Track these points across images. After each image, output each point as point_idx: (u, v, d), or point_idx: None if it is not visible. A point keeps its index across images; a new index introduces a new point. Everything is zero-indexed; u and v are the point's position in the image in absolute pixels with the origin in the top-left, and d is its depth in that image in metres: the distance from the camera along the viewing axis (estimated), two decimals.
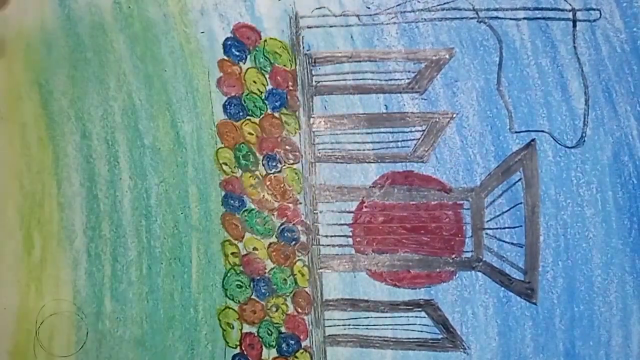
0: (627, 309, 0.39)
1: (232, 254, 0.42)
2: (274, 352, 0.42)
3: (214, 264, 0.42)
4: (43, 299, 0.42)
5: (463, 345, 0.41)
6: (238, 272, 0.42)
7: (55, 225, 0.42)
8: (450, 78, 0.39)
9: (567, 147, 0.39)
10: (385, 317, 0.41)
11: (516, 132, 0.39)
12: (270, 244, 0.42)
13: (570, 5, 0.38)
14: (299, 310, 0.41)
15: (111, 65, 0.41)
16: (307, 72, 0.40)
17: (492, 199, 0.40)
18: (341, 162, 0.41)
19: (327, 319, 0.41)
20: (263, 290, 0.42)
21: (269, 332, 0.42)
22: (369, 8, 0.39)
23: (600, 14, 0.38)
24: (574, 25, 0.38)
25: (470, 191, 0.40)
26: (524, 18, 0.38)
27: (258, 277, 0.42)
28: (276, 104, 0.41)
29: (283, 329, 0.41)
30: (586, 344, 0.40)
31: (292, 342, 0.41)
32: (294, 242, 0.41)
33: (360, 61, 0.40)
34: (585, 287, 0.39)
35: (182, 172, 0.42)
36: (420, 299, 0.41)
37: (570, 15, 0.38)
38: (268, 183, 0.41)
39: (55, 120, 0.42)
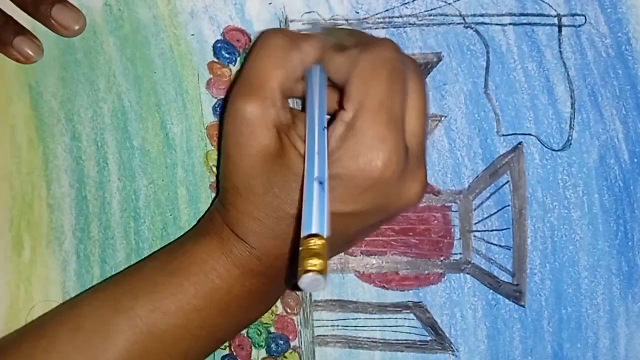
0: (614, 310, 0.42)
1: None
2: (263, 353, 0.45)
3: None
4: (32, 300, 0.45)
5: (452, 347, 0.44)
6: None
7: (44, 227, 0.45)
8: (438, 81, 0.42)
9: (554, 150, 0.42)
10: (374, 319, 0.44)
11: (503, 135, 0.42)
12: None
13: (555, 10, 0.41)
14: (288, 310, 0.44)
15: (101, 67, 0.44)
16: None
17: (480, 201, 0.43)
18: None
19: (316, 320, 0.44)
20: None
21: (259, 332, 0.45)
22: (357, 13, 0.42)
23: (585, 20, 0.41)
24: (560, 31, 0.41)
25: (459, 193, 0.43)
26: (510, 23, 0.41)
27: None
28: None
29: (272, 329, 0.44)
30: (574, 345, 0.43)
31: (282, 342, 0.44)
32: None
33: None
34: (572, 289, 0.43)
35: (172, 173, 0.45)
36: (408, 301, 0.44)
37: (555, 20, 0.41)
38: None
39: (45, 122, 0.45)
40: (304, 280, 0.28)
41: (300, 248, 0.29)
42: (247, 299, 0.37)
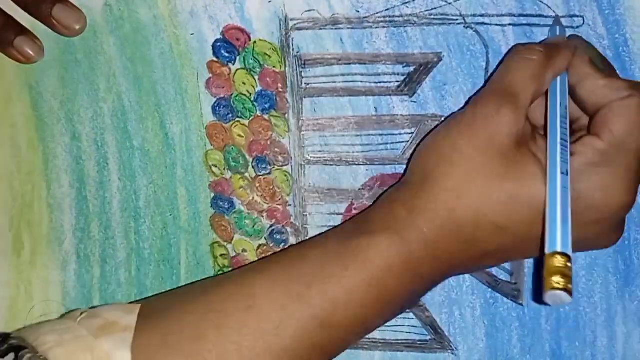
0: (612, 309, 0.43)
1: (222, 255, 0.46)
2: None
3: (203, 265, 0.46)
4: (32, 300, 0.46)
5: (451, 346, 0.45)
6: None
7: (44, 227, 0.46)
8: (439, 81, 0.43)
9: None
10: None
11: None
12: (260, 245, 0.45)
13: (554, 12, 0.42)
14: None
15: (101, 67, 0.45)
16: (297, 74, 0.44)
17: None
18: (330, 165, 0.44)
19: None
20: None
21: None
22: (358, 12, 0.43)
23: (584, 21, 0.42)
24: None
25: None
26: (510, 24, 0.42)
27: None
28: (265, 105, 0.44)
29: None
30: (572, 344, 0.44)
31: None
32: (283, 244, 0.45)
33: (349, 64, 0.43)
34: None
35: (171, 173, 0.45)
36: None
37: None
38: (257, 185, 0.45)
39: (45, 122, 0.45)
40: (548, 297, 0.31)
41: (545, 265, 0.31)
42: (399, 303, 0.38)
